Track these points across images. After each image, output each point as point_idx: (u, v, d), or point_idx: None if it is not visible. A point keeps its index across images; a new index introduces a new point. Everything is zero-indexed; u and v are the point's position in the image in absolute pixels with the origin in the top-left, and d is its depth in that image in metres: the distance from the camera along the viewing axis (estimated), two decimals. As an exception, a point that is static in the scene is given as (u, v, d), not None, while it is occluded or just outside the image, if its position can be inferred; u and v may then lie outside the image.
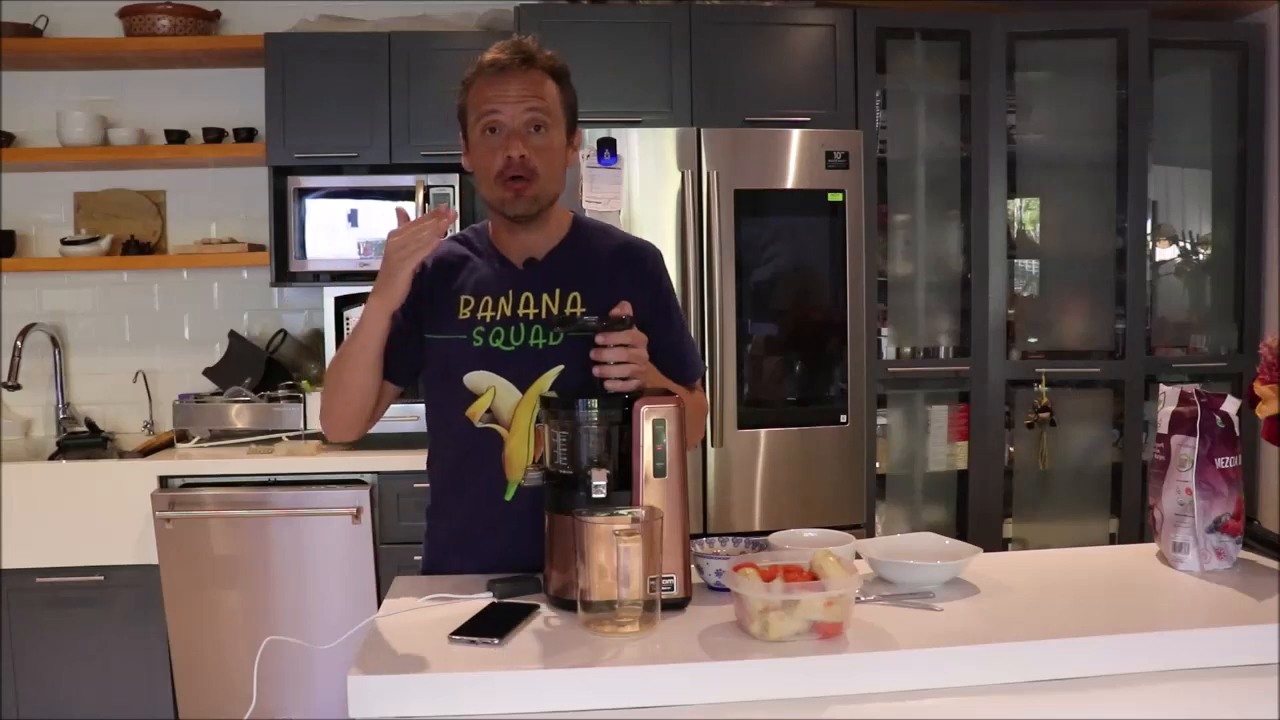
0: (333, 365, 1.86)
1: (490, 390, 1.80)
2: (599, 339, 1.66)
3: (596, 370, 1.66)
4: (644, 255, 1.92)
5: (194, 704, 3.19)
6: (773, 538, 1.79)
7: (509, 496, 1.79)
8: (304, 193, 3.46)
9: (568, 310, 1.82)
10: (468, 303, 1.84)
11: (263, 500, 3.18)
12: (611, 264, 1.87)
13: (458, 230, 2.01)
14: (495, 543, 1.81)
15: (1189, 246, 3.82)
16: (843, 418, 3.36)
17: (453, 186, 3.44)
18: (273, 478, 3.22)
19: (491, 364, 1.81)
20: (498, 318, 1.82)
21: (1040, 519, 3.66)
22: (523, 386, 1.80)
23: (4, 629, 3.18)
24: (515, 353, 1.80)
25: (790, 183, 3.31)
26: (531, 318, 1.82)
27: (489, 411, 1.79)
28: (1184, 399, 1.78)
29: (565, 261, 1.86)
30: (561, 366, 1.78)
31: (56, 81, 3.76)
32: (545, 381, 1.79)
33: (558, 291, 1.83)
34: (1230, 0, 3.63)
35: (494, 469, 1.80)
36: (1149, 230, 3.60)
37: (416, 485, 3.21)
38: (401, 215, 1.72)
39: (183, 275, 3.85)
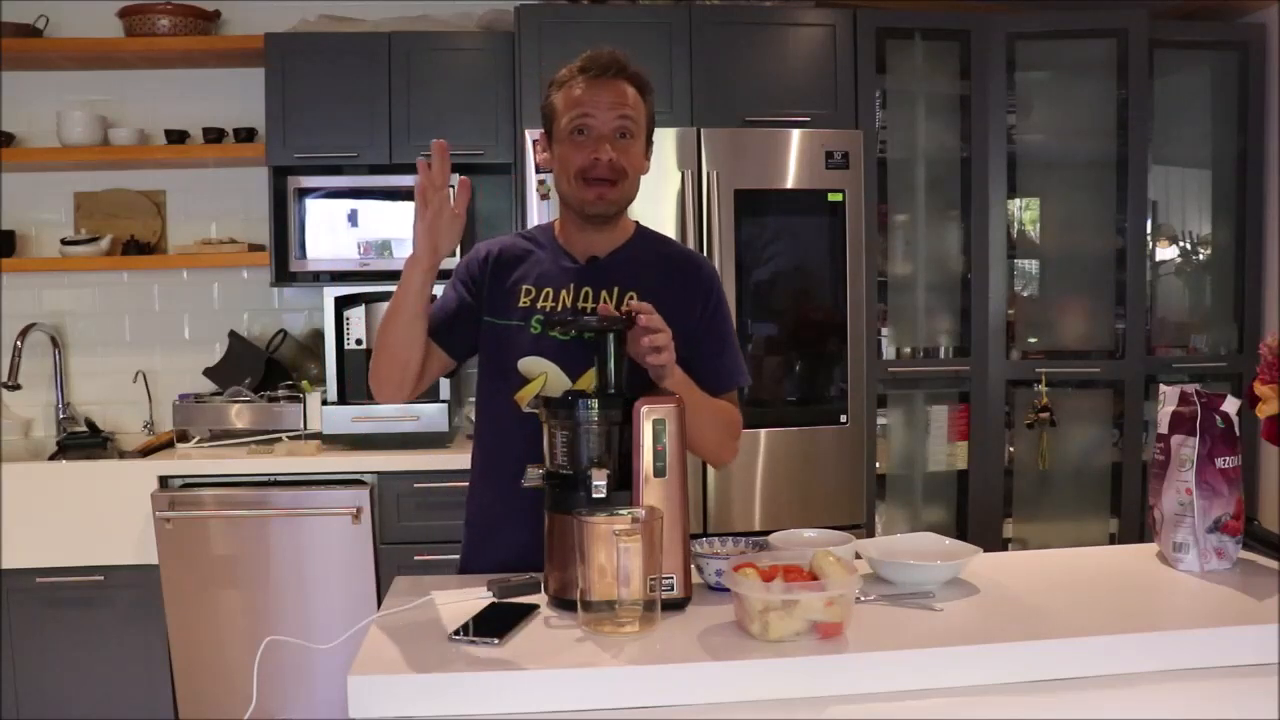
0: (381, 326, 1.88)
1: (542, 376, 1.83)
2: (642, 319, 1.66)
3: (645, 341, 1.66)
4: (699, 267, 1.98)
5: (194, 704, 3.19)
6: (773, 538, 1.79)
7: None
8: (304, 193, 3.46)
9: (624, 307, 1.84)
10: (529, 292, 1.89)
11: (263, 500, 3.18)
12: (669, 270, 1.93)
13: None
14: (533, 525, 1.80)
15: (1189, 246, 3.82)
16: (843, 418, 3.36)
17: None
18: (273, 478, 3.22)
19: (545, 351, 1.85)
20: (558, 308, 1.87)
21: (1040, 519, 3.66)
22: (573, 376, 1.83)
23: (4, 629, 3.18)
24: (571, 343, 1.84)
25: (790, 183, 3.31)
26: (590, 312, 1.86)
27: (538, 397, 1.80)
28: (1184, 399, 1.78)
29: (626, 262, 1.92)
30: None
31: (56, 81, 3.76)
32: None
33: (616, 290, 1.88)
34: (1230, 0, 3.63)
35: (534, 454, 1.80)
36: (1149, 230, 3.60)
37: (416, 485, 3.22)
38: (440, 147, 1.85)
39: (183, 275, 3.85)
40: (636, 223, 1.99)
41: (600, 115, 1.82)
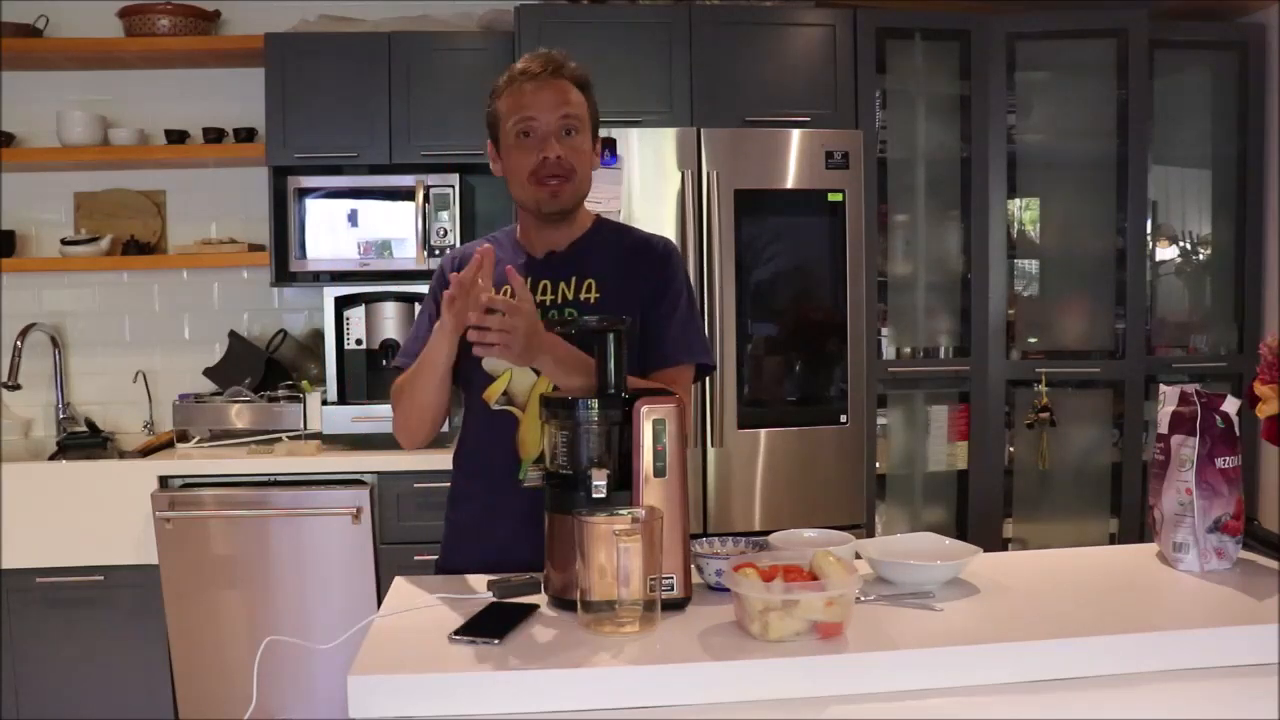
0: (405, 384, 1.92)
1: (507, 373, 1.83)
2: (483, 319, 1.65)
3: (473, 336, 1.66)
4: (654, 248, 1.99)
5: (194, 704, 3.19)
6: (773, 538, 1.79)
7: (522, 475, 1.81)
8: (304, 193, 3.46)
9: (583, 296, 1.89)
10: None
11: (263, 500, 3.18)
12: (627, 258, 1.95)
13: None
14: (509, 524, 1.85)
15: (1189, 246, 3.82)
16: (843, 418, 3.36)
17: (453, 186, 3.44)
18: (273, 478, 3.22)
19: None
20: None
21: (1040, 519, 3.66)
22: (537, 371, 1.82)
23: (4, 629, 3.18)
24: None
25: (790, 183, 3.31)
26: (549, 303, 1.90)
27: (505, 394, 1.80)
28: (1184, 399, 1.78)
29: (584, 253, 1.95)
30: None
31: (56, 81, 3.76)
32: None
33: (574, 279, 1.91)
34: (1230, 0, 3.63)
35: (509, 450, 1.82)
36: (1149, 230, 3.60)
37: (416, 485, 3.22)
38: (486, 254, 1.72)
39: (183, 275, 3.85)
40: (597, 215, 2.02)
41: (544, 116, 1.86)
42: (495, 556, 1.82)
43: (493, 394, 1.82)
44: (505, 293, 1.70)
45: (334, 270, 3.49)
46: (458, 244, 3.37)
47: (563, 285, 1.91)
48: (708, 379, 3.21)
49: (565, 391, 1.74)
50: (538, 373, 1.79)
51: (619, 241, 1.99)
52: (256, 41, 3.47)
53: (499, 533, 1.87)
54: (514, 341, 1.66)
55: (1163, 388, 1.85)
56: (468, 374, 1.90)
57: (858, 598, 1.55)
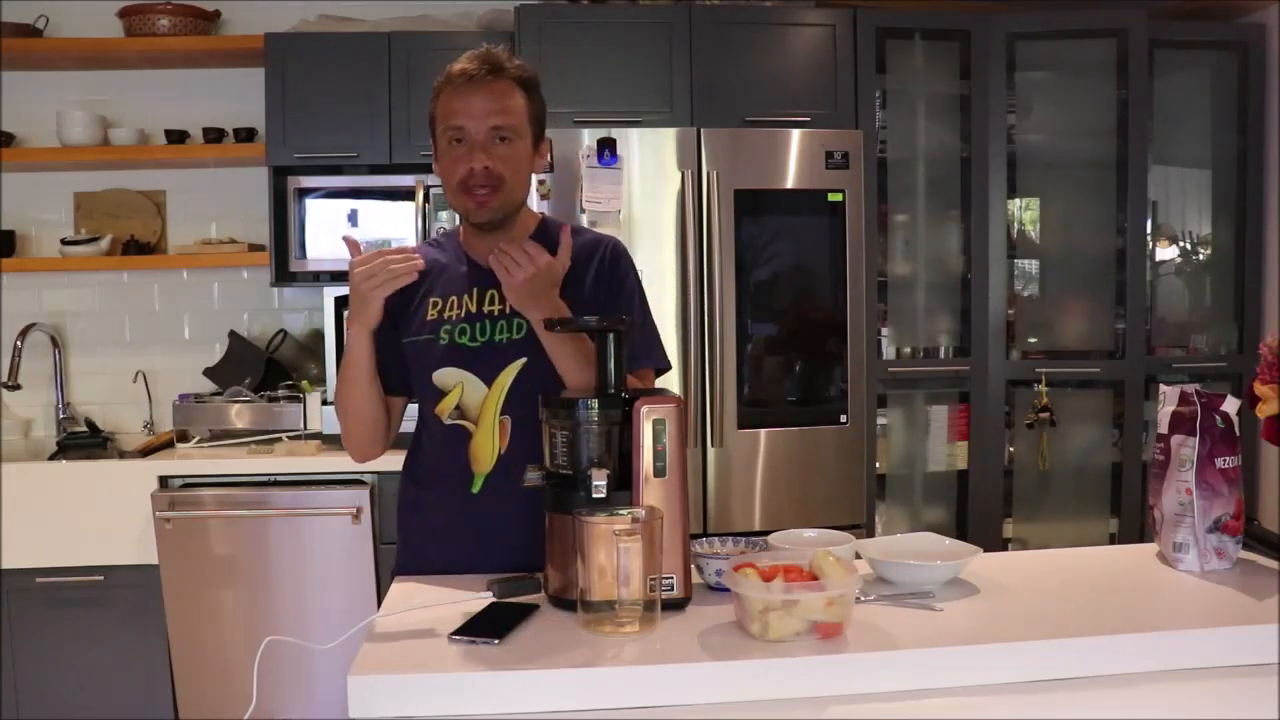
0: (337, 394, 1.91)
1: (458, 387, 1.83)
2: (499, 249, 1.73)
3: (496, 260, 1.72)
4: (600, 246, 1.94)
5: (194, 704, 3.19)
6: (773, 538, 1.79)
7: (475, 489, 1.82)
8: (304, 193, 3.46)
9: None
10: (435, 304, 1.89)
11: (263, 500, 3.18)
12: (576, 259, 1.90)
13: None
14: (465, 536, 1.85)
15: (1189, 246, 3.82)
16: (843, 418, 3.36)
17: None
18: (273, 478, 3.22)
19: (458, 360, 1.85)
20: (462, 315, 1.87)
21: (1040, 519, 3.66)
22: (489, 381, 1.83)
23: (4, 629, 3.18)
24: (480, 348, 1.85)
25: (790, 183, 3.31)
26: (496, 314, 1.86)
27: (458, 408, 1.80)
28: (1184, 399, 1.78)
29: None
30: (525, 359, 1.82)
31: (56, 81, 3.76)
32: (508, 375, 1.83)
33: None
34: (1230, 0, 3.63)
35: (463, 464, 1.83)
36: (1149, 230, 3.60)
37: (416, 485, 3.21)
38: (351, 244, 1.80)
39: (183, 275, 3.85)
40: (543, 215, 1.99)
41: (473, 123, 1.79)
42: (453, 565, 1.81)
43: (445, 408, 1.82)
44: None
45: (334, 270, 3.49)
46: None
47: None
48: (708, 379, 3.22)
49: (560, 372, 1.76)
50: (487, 385, 1.79)
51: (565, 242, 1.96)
52: (256, 41, 3.47)
53: (454, 542, 1.86)
54: (537, 277, 1.71)
55: (1163, 388, 1.85)
56: (419, 389, 1.89)
57: (858, 598, 1.55)
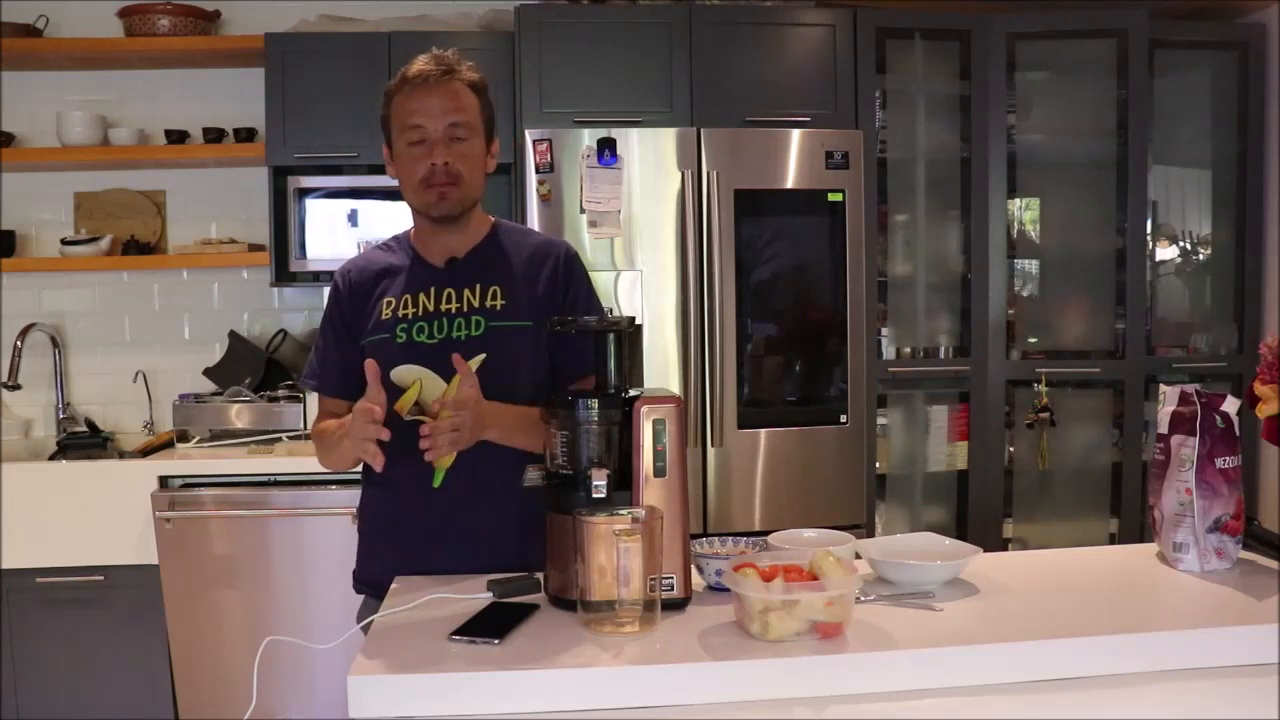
0: (320, 443, 1.97)
1: (417, 383, 1.85)
2: (424, 430, 1.72)
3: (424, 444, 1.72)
4: (554, 250, 2.00)
5: (194, 704, 3.19)
6: (773, 538, 1.80)
7: (436, 483, 1.82)
8: (304, 193, 3.46)
9: (488, 303, 1.91)
10: (389, 304, 1.94)
11: (263, 500, 3.18)
12: (529, 261, 1.97)
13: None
14: (424, 530, 1.89)
15: (1189, 246, 3.82)
16: (843, 418, 3.36)
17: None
18: (273, 478, 3.21)
19: (416, 358, 1.87)
20: (419, 314, 1.91)
21: (1040, 519, 3.66)
22: (448, 378, 1.83)
23: (4, 629, 3.18)
24: (439, 345, 1.88)
25: (790, 183, 3.31)
26: (454, 312, 1.91)
27: (417, 404, 1.81)
28: (1184, 399, 1.78)
29: (485, 259, 1.97)
30: (484, 355, 1.84)
31: (56, 81, 3.76)
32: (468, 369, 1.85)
33: (478, 286, 1.93)
34: (1230, 0, 3.63)
35: (420, 459, 1.82)
36: (1149, 230, 3.60)
37: (416, 485, 3.21)
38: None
39: (183, 275, 3.85)
40: (496, 219, 2.03)
41: (431, 123, 1.87)
42: (410, 565, 1.84)
43: (405, 405, 1.82)
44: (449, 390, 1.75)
45: (334, 270, 3.48)
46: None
47: (467, 293, 1.92)
48: (708, 379, 3.22)
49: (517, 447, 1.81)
50: (446, 380, 1.81)
51: (519, 245, 2.00)
52: (256, 41, 3.47)
53: (413, 541, 1.90)
54: (462, 437, 1.73)
55: (1163, 388, 1.85)
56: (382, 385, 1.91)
57: (858, 598, 1.55)
